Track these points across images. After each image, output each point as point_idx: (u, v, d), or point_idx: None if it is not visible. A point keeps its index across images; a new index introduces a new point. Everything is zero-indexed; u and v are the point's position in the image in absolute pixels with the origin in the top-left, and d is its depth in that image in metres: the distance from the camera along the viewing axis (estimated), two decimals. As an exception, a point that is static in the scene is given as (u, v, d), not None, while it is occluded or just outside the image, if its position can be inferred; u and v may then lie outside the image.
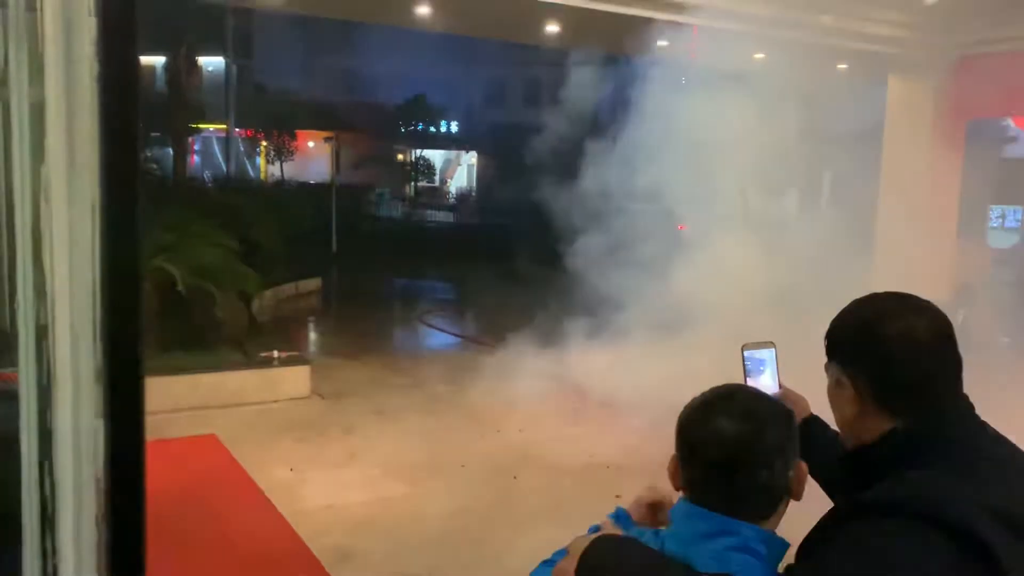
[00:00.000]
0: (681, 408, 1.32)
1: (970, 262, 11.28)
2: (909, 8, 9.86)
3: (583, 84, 9.31)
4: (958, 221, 11.75)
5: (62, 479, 0.96)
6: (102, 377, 0.93)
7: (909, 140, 11.20)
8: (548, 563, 1.36)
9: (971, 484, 1.19)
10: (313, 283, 15.13)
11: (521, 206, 15.79)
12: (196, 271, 8.25)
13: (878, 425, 1.31)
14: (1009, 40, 9.99)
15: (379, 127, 32.41)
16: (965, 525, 1.13)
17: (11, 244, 1.09)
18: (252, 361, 8.28)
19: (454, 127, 36.69)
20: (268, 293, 12.00)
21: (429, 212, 30.09)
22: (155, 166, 14.19)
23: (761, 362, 1.68)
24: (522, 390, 7.69)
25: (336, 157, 23.62)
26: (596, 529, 1.38)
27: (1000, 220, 14.70)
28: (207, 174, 25.72)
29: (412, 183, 34.28)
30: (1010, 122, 14.34)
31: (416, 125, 34.44)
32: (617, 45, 9.29)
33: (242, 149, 30.53)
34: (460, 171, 37.62)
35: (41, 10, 0.94)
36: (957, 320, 1.35)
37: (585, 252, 8.34)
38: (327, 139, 25.05)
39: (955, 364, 1.32)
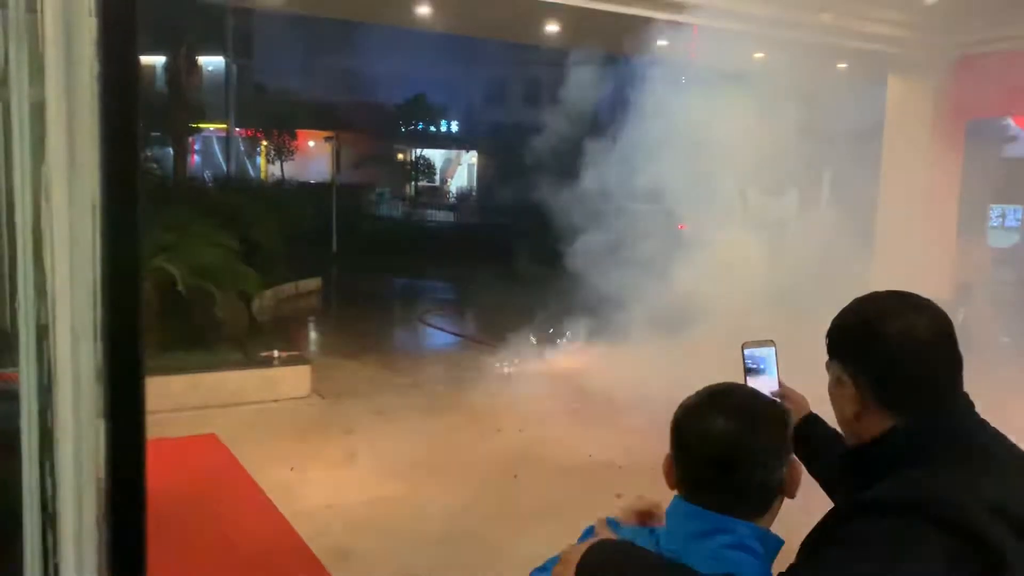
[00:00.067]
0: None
1: (970, 261, 11.29)
2: (909, 8, 9.86)
3: (583, 84, 9.32)
4: (958, 220, 11.75)
5: (63, 478, 0.96)
6: (102, 377, 0.93)
7: (909, 140, 11.20)
8: (541, 570, 1.34)
9: (972, 482, 1.20)
10: (313, 283, 15.14)
11: (521, 206, 15.80)
12: (196, 271, 8.26)
13: (878, 423, 1.31)
14: (1009, 39, 9.99)
15: (379, 127, 32.38)
16: (967, 523, 1.13)
17: (11, 244, 1.09)
18: (252, 361, 8.28)
19: (454, 127, 36.67)
20: (268, 293, 12.01)
21: (429, 212, 30.05)
22: (155, 166, 14.16)
23: (761, 360, 1.69)
24: (522, 389, 7.70)
25: (336, 157, 23.62)
26: (589, 533, 1.35)
27: (1000, 219, 14.71)
28: (207, 174, 25.69)
29: (412, 183, 34.27)
30: (1010, 121, 14.35)
31: (416, 125, 34.42)
32: (617, 45, 9.30)
33: (242, 149, 30.51)
34: (460, 171, 37.60)
35: (41, 10, 0.94)
36: (957, 319, 1.35)
37: (585, 252, 8.34)
38: (327, 139, 25.03)
39: (955, 363, 1.32)
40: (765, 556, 1.23)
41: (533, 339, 8.43)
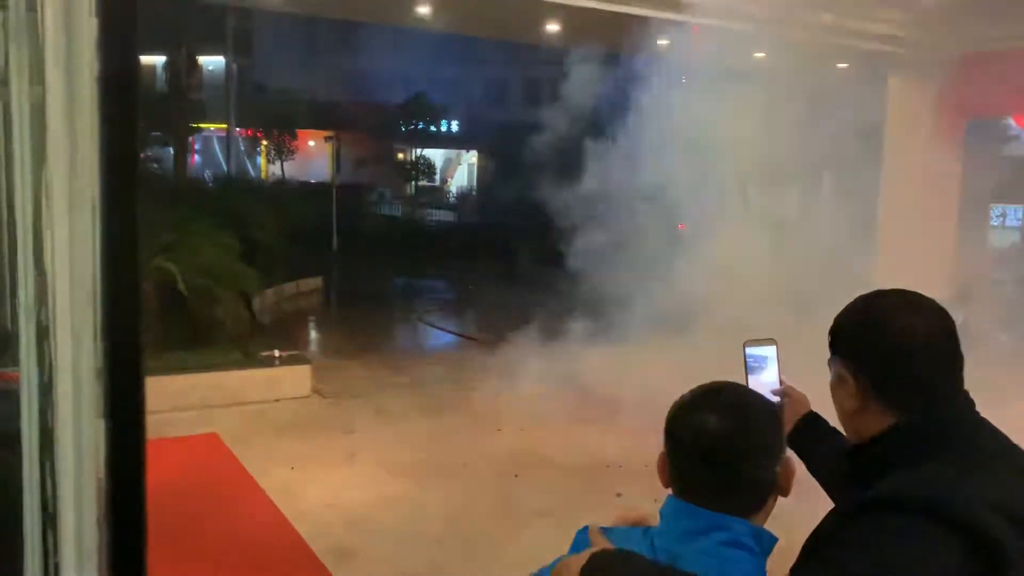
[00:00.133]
0: None
1: (970, 261, 11.29)
2: (909, 7, 9.86)
3: (583, 83, 9.30)
4: (958, 220, 11.75)
5: (63, 478, 0.96)
6: (103, 376, 0.93)
7: (909, 139, 11.20)
8: None
9: (972, 479, 1.20)
10: (314, 282, 15.14)
11: (522, 205, 15.79)
12: (197, 270, 8.26)
13: (879, 421, 1.31)
14: (1009, 39, 9.99)
15: (379, 126, 32.36)
16: (969, 521, 1.13)
17: (11, 244, 1.09)
18: (253, 360, 8.28)
19: (454, 126, 36.66)
20: (269, 292, 12.03)
21: (430, 211, 30.05)
22: (155, 166, 14.18)
23: (763, 359, 1.69)
24: (523, 389, 7.69)
25: (336, 156, 23.64)
26: (581, 536, 1.33)
27: (1000, 219, 14.71)
28: (208, 173, 25.71)
29: (412, 182, 34.25)
30: (1010, 121, 14.34)
31: (416, 124, 34.40)
32: (617, 44, 9.29)
33: (242, 148, 30.52)
34: (460, 170, 37.58)
35: (41, 10, 0.94)
36: (958, 318, 1.35)
37: (585, 250, 8.34)
38: (327, 138, 25.02)
39: (957, 361, 1.32)
40: (760, 553, 1.23)
41: (533, 338, 8.42)
